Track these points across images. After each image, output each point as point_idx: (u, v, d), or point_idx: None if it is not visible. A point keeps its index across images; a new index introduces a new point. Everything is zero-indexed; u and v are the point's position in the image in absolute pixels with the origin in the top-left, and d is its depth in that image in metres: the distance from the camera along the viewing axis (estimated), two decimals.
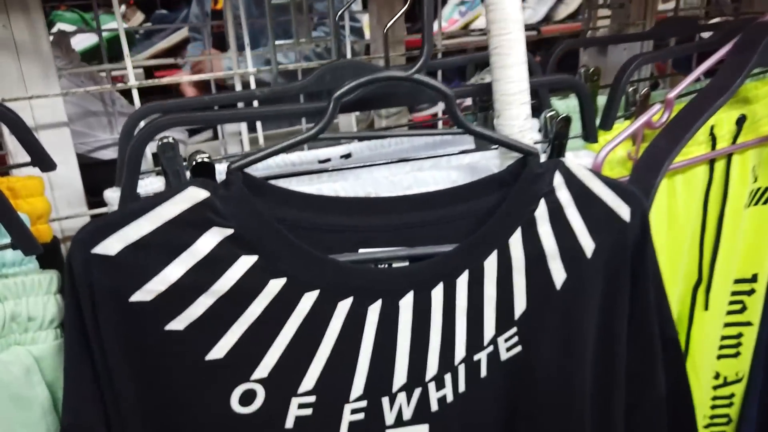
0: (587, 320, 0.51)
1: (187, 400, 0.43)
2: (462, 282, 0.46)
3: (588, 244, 0.49)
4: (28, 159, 0.48)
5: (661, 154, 0.56)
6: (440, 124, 1.10)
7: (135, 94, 0.62)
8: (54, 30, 1.28)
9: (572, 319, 0.50)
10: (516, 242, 0.47)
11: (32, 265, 0.47)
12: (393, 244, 0.46)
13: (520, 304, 0.48)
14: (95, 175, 0.69)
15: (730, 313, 0.75)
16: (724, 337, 0.76)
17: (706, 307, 0.74)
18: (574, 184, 0.48)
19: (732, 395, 0.79)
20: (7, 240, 0.43)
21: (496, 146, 0.53)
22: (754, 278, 0.75)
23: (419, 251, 0.46)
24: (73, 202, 0.61)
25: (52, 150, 0.51)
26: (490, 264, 0.47)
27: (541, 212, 0.47)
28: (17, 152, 0.55)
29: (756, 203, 0.73)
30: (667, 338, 0.56)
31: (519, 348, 0.49)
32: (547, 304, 0.49)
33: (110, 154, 0.86)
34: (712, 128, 0.66)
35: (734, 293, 0.75)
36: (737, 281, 0.74)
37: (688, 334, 0.75)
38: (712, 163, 0.68)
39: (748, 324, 0.76)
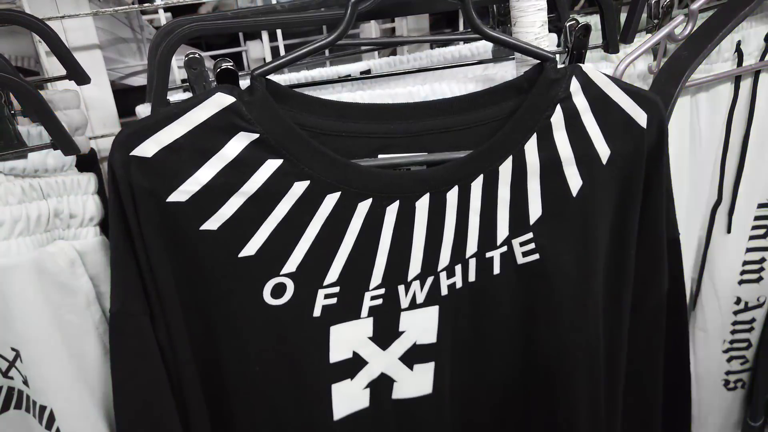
0: (602, 226, 0.52)
1: (223, 295, 0.46)
2: (477, 185, 0.48)
3: (603, 151, 0.50)
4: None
5: (683, 65, 0.56)
6: None
7: (161, 13, 0.64)
8: None
9: (588, 227, 0.52)
10: (531, 148, 0.48)
11: (72, 172, 0.50)
12: (411, 150, 0.48)
13: (535, 210, 0.50)
14: (126, 101, 0.72)
15: (753, 237, 0.75)
16: (746, 262, 0.76)
17: (729, 230, 0.73)
18: (590, 89, 0.49)
19: (753, 320, 0.79)
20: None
21: (513, 57, 0.53)
22: None
23: (436, 157, 0.48)
24: (107, 122, 0.64)
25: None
26: (505, 169, 0.48)
27: (557, 118, 0.48)
28: (53, 71, 0.58)
29: None
30: (671, 239, 0.57)
31: (536, 255, 0.51)
32: (563, 211, 0.50)
33: (140, 80, 0.88)
34: (738, 44, 0.65)
35: (757, 218, 0.74)
36: (761, 205, 0.73)
37: (704, 255, 0.75)
38: (737, 81, 0.67)
39: None
